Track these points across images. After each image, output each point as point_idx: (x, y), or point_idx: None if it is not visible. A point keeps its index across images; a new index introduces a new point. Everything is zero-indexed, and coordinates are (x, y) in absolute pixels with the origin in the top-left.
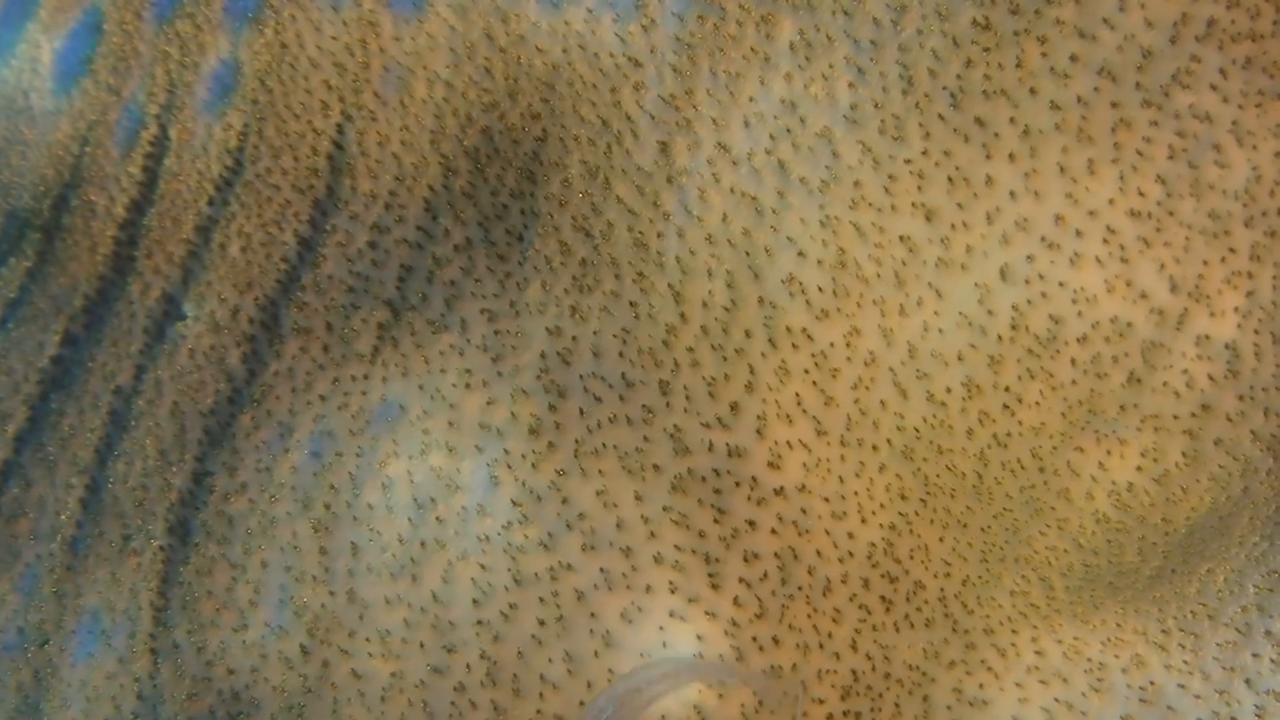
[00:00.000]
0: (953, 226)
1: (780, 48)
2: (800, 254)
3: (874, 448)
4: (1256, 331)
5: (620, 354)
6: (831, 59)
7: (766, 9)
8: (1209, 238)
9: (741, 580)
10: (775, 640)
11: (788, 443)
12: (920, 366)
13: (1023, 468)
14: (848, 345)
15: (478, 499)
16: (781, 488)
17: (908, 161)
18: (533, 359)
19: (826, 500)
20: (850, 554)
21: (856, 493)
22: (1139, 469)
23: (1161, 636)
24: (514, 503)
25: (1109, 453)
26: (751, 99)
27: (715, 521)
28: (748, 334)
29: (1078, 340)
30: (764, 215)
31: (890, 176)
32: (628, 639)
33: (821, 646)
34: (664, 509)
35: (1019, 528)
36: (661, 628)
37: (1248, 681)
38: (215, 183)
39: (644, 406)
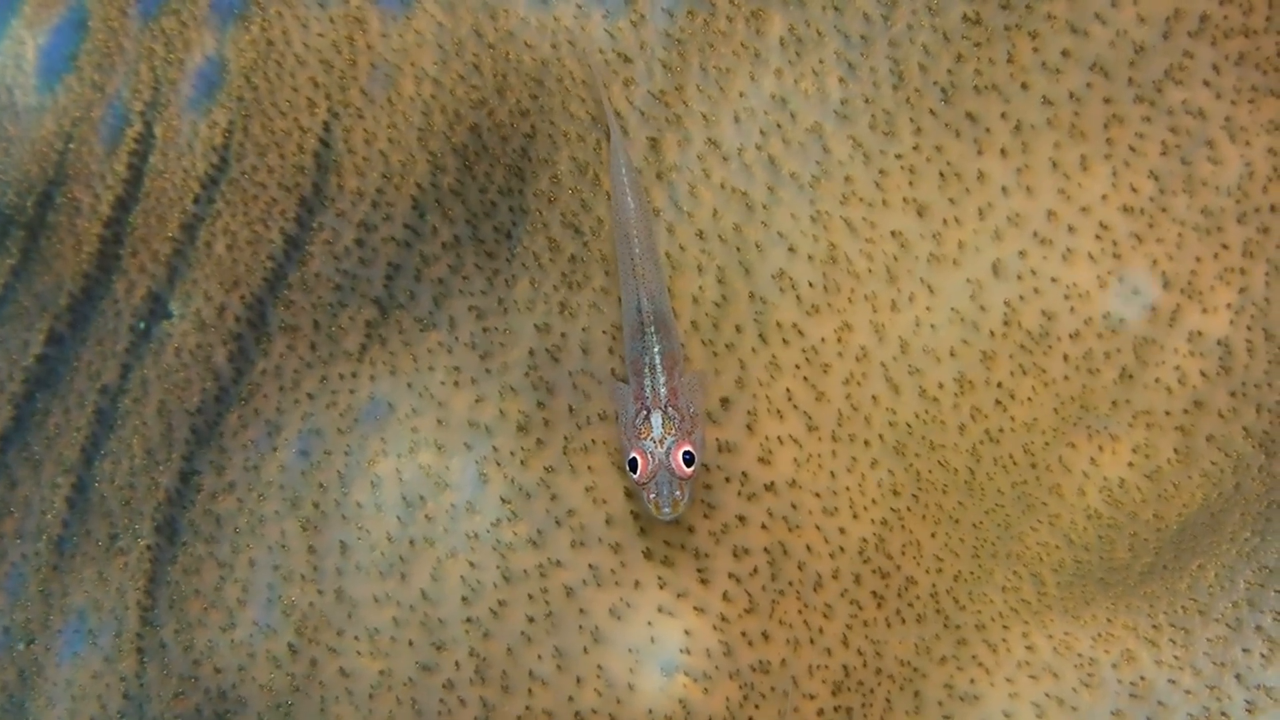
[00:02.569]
0: (944, 222)
1: (770, 43)
2: (791, 249)
3: (866, 443)
4: (1249, 328)
5: (610, 350)
6: (822, 54)
7: (756, 4)
8: (1202, 234)
9: (731, 575)
10: (765, 635)
11: (778, 438)
12: (912, 362)
13: (1015, 463)
14: (839, 341)
15: (466, 496)
16: (772, 483)
17: (899, 157)
18: (521, 356)
19: (817, 495)
20: (841, 549)
21: (848, 488)
22: (1131, 465)
23: (1152, 632)
24: (503, 500)
25: (1101, 449)
26: (742, 94)
27: (705, 517)
28: (738, 329)
29: (1070, 336)
30: (754, 210)
31: (881, 172)
32: (616, 634)
33: (812, 642)
34: None
35: (1011, 523)
36: (650, 623)
37: (1238, 676)
38: (201, 180)
39: None
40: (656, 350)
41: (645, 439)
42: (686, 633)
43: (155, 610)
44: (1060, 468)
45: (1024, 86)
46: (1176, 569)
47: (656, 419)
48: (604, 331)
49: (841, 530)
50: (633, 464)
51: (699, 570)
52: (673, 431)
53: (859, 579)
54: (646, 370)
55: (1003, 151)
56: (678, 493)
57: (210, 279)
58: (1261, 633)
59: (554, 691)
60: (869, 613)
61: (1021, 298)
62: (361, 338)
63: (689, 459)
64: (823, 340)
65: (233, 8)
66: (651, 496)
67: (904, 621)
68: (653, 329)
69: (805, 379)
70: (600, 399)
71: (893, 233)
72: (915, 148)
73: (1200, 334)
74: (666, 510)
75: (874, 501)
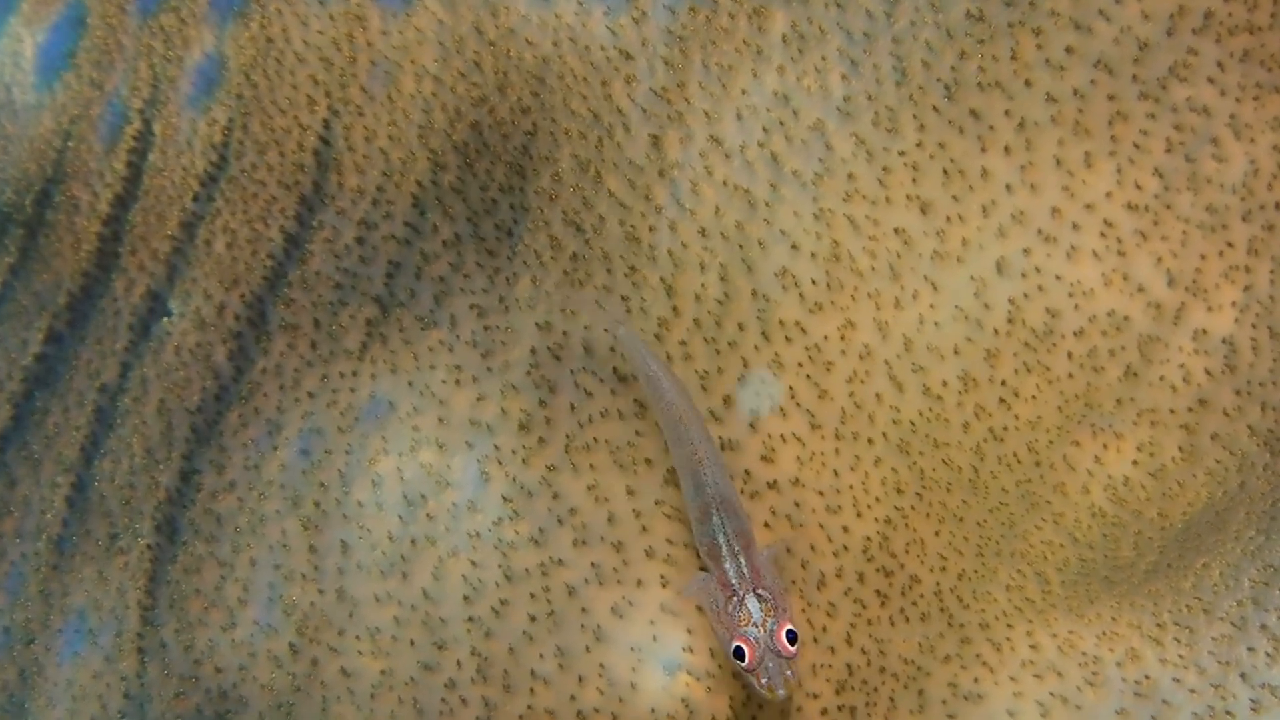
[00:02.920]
0: (948, 219)
1: (773, 40)
2: (794, 247)
3: (869, 441)
4: (1254, 326)
5: (611, 348)
6: (824, 51)
7: (759, 1)
8: (1206, 231)
9: None
10: None
11: (781, 436)
12: (916, 360)
13: (1019, 462)
14: (842, 338)
15: (468, 495)
16: (775, 481)
17: (902, 154)
18: (523, 354)
19: (821, 494)
20: (845, 548)
21: (851, 486)
22: (1135, 463)
23: (1157, 630)
24: (505, 498)
25: (1105, 447)
26: (744, 92)
27: None
28: (741, 327)
29: (1074, 334)
30: (757, 208)
31: (884, 169)
32: (619, 633)
33: (816, 640)
34: (656, 503)
35: (1015, 522)
36: (652, 621)
37: (1243, 675)
38: (200, 178)
39: (635, 400)
40: (731, 532)
41: (746, 626)
42: (689, 631)
43: (156, 610)
44: (1064, 466)
45: (1028, 83)
46: (1181, 567)
47: (753, 604)
48: (605, 330)
49: (845, 529)
50: (738, 652)
51: (702, 569)
52: (771, 613)
53: (862, 577)
54: (726, 554)
55: (1006, 149)
56: (789, 672)
57: (210, 277)
58: (1266, 631)
59: (556, 690)
60: (872, 611)
61: (1026, 295)
62: (362, 336)
63: (792, 637)
64: (826, 338)
65: (232, 5)
66: (765, 681)
67: (908, 620)
68: (720, 514)
69: (808, 377)
70: (603, 397)
71: (896, 230)
72: (918, 145)
73: (1205, 332)
74: (782, 693)
75: (877, 500)
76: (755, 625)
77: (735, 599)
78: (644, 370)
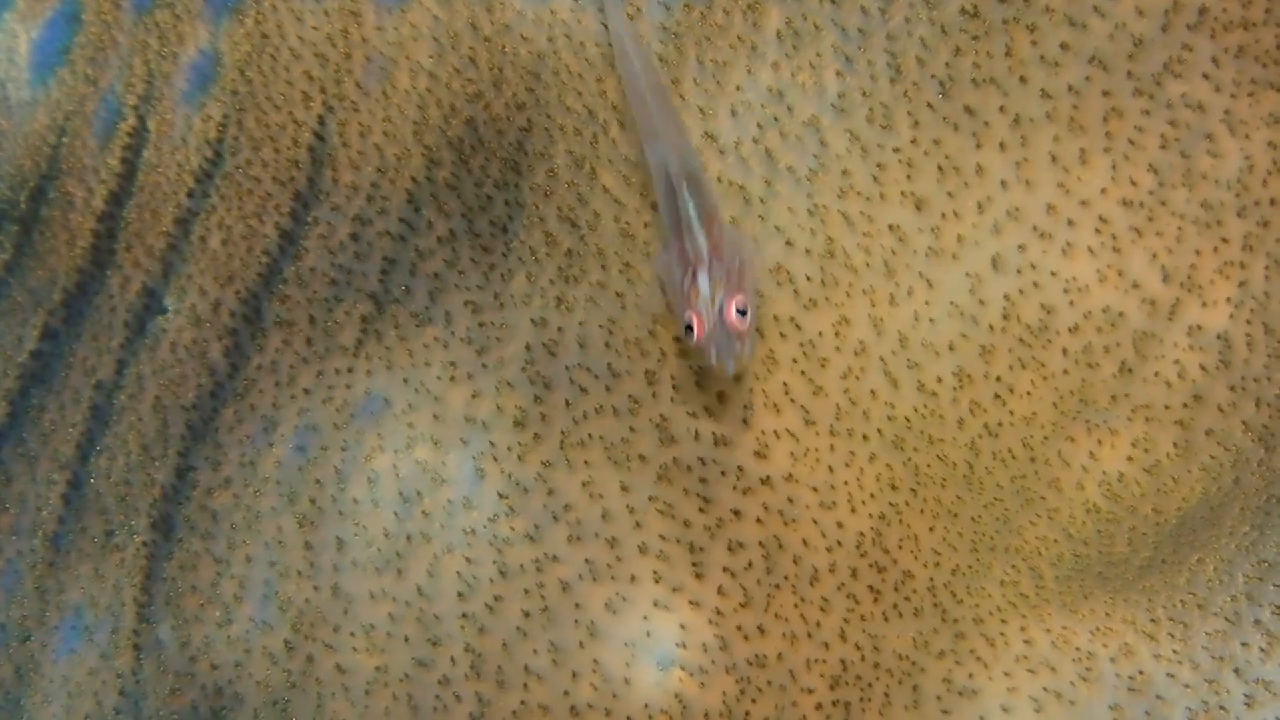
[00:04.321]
0: (943, 216)
1: (767, 36)
2: (788, 243)
3: (864, 437)
4: (1249, 322)
5: (606, 344)
6: (819, 48)
7: None
8: (1201, 228)
9: (726, 569)
10: (760, 629)
11: (775, 432)
12: (911, 356)
13: (1014, 457)
14: (837, 335)
15: (463, 492)
16: (768, 477)
17: (896, 150)
18: (518, 351)
19: (815, 490)
20: (838, 543)
21: (846, 482)
22: (1130, 459)
23: (1151, 626)
24: (500, 495)
25: (1100, 443)
26: (739, 88)
27: (700, 511)
28: None
29: (1069, 330)
30: (751, 204)
31: (879, 165)
32: (612, 629)
33: (809, 636)
34: (649, 499)
35: (1009, 518)
36: (646, 617)
37: (1237, 670)
38: (195, 175)
39: (630, 397)
40: (691, 208)
41: (696, 301)
42: (682, 627)
43: (152, 606)
44: (1059, 462)
45: (1022, 80)
46: (1175, 563)
47: (703, 279)
48: (600, 325)
49: (839, 524)
50: (689, 328)
51: (694, 564)
52: (721, 288)
53: (856, 573)
54: (685, 229)
55: (1001, 145)
56: (737, 345)
57: (205, 274)
58: (1260, 626)
59: (550, 686)
60: (866, 607)
61: (1021, 291)
62: (357, 333)
63: (742, 311)
64: (820, 334)
65: (227, 1)
66: (714, 357)
67: (901, 616)
68: (684, 186)
69: (802, 373)
70: (597, 394)
71: (890, 226)
72: (913, 141)
73: (1200, 328)
74: (731, 368)
75: (871, 496)
76: (704, 301)
77: (690, 274)
78: (614, 39)
